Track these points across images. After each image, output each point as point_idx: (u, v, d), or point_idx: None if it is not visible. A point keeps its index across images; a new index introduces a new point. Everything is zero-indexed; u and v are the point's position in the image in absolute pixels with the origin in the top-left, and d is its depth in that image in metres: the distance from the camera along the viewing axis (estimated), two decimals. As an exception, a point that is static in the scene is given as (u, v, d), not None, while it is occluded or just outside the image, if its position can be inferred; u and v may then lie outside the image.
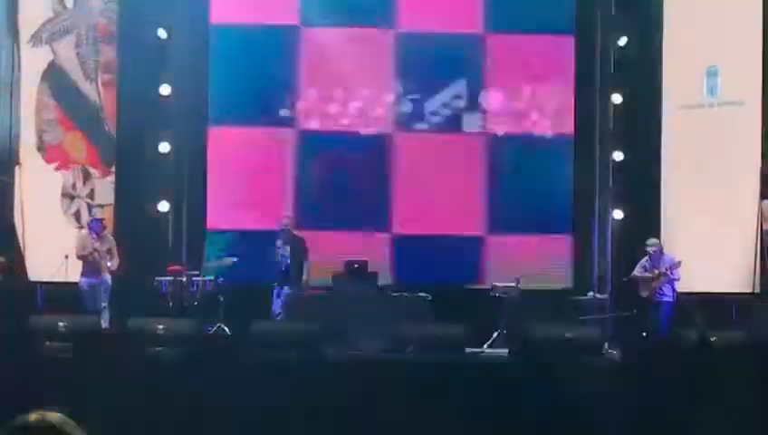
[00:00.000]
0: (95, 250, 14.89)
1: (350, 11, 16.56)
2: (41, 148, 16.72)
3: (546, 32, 16.49)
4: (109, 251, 15.01)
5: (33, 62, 16.80)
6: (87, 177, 16.64)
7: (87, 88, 16.84)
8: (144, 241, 16.05)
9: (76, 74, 16.83)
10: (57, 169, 16.72)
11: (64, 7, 16.76)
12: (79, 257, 14.98)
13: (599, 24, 16.33)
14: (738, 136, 15.65)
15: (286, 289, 15.12)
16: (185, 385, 10.22)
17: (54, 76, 16.83)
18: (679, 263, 14.94)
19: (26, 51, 16.79)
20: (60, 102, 16.77)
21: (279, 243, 15.19)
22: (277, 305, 15.13)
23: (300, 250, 15.30)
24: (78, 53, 16.86)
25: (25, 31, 16.79)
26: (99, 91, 16.74)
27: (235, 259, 15.47)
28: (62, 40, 16.85)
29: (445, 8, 16.76)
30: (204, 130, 16.69)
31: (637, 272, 15.14)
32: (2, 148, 16.44)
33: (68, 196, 16.55)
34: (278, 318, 14.91)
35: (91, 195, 16.64)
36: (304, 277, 15.25)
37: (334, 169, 16.72)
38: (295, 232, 15.52)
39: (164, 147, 16.35)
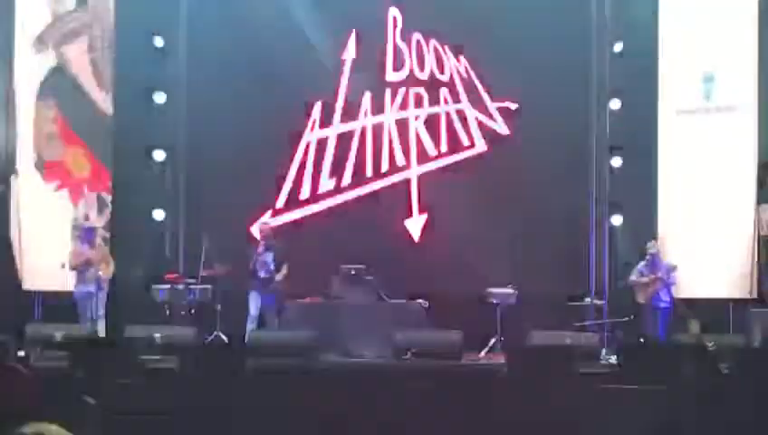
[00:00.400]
0: (89, 259, 14.79)
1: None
2: (39, 165, 16.22)
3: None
4: (103, 260, 14.91)
5: (33, 69, 16.25)
6: (102, 206, 16.18)
7: (99, 96, 16.26)
8: (141, 249, 16.02)
9: (87, 81, 16.20)
10: (58, 188, 16.22)
11: (65, 8, 16.23)
12: (73, 268, 14.83)
13: (594, 29, 16.32)
14: (734, 141, 15.65)
15: (267, 295, 15.05)
16: (183, 393, 10.19)
17: (60, 84, 16.18)
18: (676, 268, 14.95)
19: (26, 57, 16.23)
20: (65, 113, 16.17)
21: (261, 249, 15.13)
22: (254, 311, 15.03)
23: (281, 256, 15.23)
24: (91, 59, 16.27)
25: (22, 36, 16.23)
26: (114, 100, 16.25)
27: (230, 267, 15.40)
28: (73, 43, 16.23)
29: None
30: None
31: (633, 277, 15.14)
32: None
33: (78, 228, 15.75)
34: (254, 325, 14.88)
35: (109, 226, 16.25)
36: (278, 278, 15.14)
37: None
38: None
39: (159, 154, 16.32)
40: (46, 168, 16.29)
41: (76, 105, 16.25)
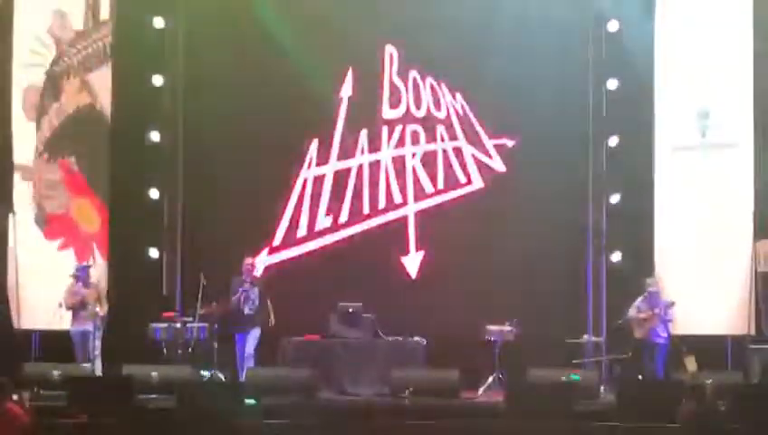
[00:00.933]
0: (84, 299, 14.74)
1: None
2: (40, 219, 15.68)
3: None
4: (98, 299, 14.85)
5: (33, 103, 15.71)
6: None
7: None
8: (138, 287, 15.98)
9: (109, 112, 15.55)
10: (61, 247, 15.70)
11: (69, 35, 15.76)
12: (68, 308, 14.75)
13: (590, 66, 16.40)
14: (731, 177, 15.65)
15: (255, 332, 15.00)
16: (180, 432, 10.16)
17: (77, 120, 15.59)
18: (673, 304, 14.95)
19: (26, 85, 15.71)
20: (76, 157, 15.56)
21: (246, 286, 15.09)
22: (245, 348, 14.95)
23: (266, 293, 15.20)
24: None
25: (21, 62, 15.74)
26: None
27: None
28: (99, 69, 15.69)
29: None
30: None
31: (631, 312, 15.12)
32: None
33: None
34: (250, 361, 14.82)
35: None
36: (271, 319, 15.13)
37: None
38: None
39: (154, 192, 16.33)
40: (48, 222, 15.74)
41: (92, 145, 15.84)
